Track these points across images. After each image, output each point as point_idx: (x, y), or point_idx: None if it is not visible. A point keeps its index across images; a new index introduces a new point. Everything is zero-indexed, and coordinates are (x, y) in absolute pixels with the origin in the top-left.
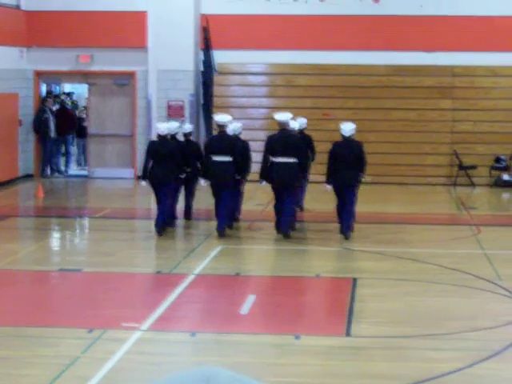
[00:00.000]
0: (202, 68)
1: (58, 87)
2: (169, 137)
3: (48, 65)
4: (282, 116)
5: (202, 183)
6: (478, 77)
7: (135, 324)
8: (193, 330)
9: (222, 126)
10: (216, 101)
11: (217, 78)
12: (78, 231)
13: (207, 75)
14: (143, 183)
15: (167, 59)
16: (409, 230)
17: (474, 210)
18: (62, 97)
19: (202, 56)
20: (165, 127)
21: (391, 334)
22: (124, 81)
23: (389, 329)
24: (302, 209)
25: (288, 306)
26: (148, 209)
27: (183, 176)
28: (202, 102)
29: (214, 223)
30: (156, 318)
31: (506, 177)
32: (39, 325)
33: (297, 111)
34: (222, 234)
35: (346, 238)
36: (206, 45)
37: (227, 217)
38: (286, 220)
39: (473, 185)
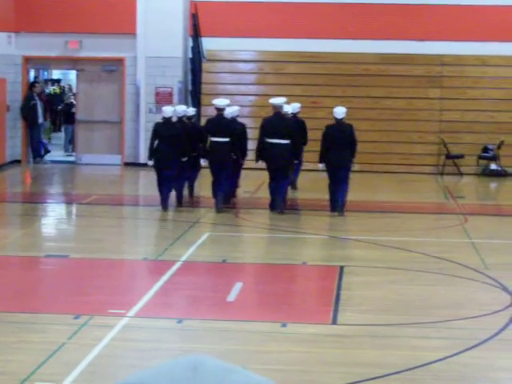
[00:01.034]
0: (190, 55)
1: (46, 73)
2: (175, 119)
3: (36, 50)
4: (276, 100)
5: (202, 162)
6: (466, 66)
7: (122, 310)
8: (179, 316)
9: (220, 109)
10: (204, 88)
11: (205, 65)
12: (65, 217)
13: (196, 62)
14: (150, 163)
15: (156, 46)
16: (396, 219)
17: (461, 199)
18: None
19: (190, 43)
20: (170, 110)
21: (378, 322)
22: (113, 67)
23: (375, 317)
24: (295, 188)
25: (275, 294)
26: (136, 195)
27: (185, 159)
28: (190, 88)
29: (201, 211)
30: (143, 304)
31: (493, 166)
32: (25, 311)
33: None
34: (220, 210)
35: (341, 213)
36: (195, 32)
37: (225, 195)
38: (280, 198)
39: (460, 174)
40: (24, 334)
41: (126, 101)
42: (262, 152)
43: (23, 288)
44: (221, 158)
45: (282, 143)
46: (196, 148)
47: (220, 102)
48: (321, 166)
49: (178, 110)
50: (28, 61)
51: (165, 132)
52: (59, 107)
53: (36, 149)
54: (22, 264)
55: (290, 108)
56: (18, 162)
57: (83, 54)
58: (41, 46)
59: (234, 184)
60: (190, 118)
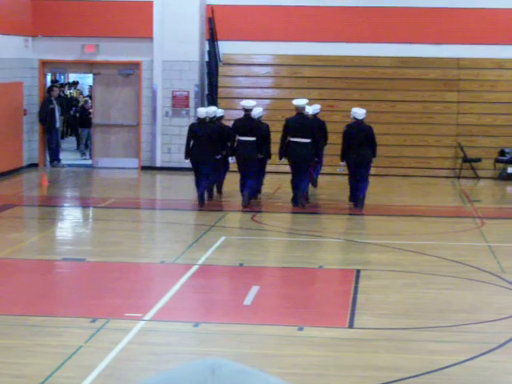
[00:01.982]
0: (207, 58)
1: (62, 77)
2: (207, 120)
3: (53, 54)
4: (299, 101)
5: (230, 161)
6: (483, 69)
7: (138, 314)
8: (196, 320)
9: (247, 110)
10: (221, 91)
11: (222, 69)
12: (81, 221)
13: (212, 66)
14: (186, 161)
15: (172, 49)
16: (413, 222)
17: (477, 203)
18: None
19: (207, 46)
20: (204, 111)
21: (394, 326)
22: (129, 71)
23: (392, 321)
24: (315, 185)
25: (291, 298)
26: (152, 199)
27: (218, 157)
28: (206, 92)
29: (218, 214)
30: (159, 308)
31: (510, 170)
32: (42, 314)
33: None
34: (247, 205)
35: (361, 208)
36: (212, 35)
37: (251, 191)
38: (302, 194)
39: (477, 177)
40: (41, 338)
41: (142, 104)
42: (285, 150)
43: (40, 291)
44: (248, 156)
45: (304, 142)
46: (225, 147)
47: (248, 103)
48: (342, 164)
49: (210, 111)
50: (45, 65)
51: (200, 132)
52: (71, 111)
53: (54, 152)
54: (39, 267)
55: (311, 109)
56: (35, 165)
57: (100, 57)
58: (57, 50)
59: (259, 182)
60: (218, 118)
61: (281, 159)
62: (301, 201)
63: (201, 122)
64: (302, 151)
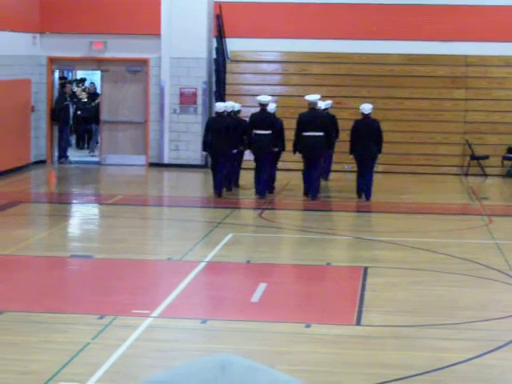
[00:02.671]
0: (214, 55)
1: (70, 73)
2: (225, 114)
3: (61, 51)
4: (311, 97)
5: (247, 153)
6: (491, 67)
7: (146, 311)
8: (203, 317)
9: (263, 105)
10: (228, 88)
11: (229, 66)
12: (89, 218)
13: (220, 63)
14: (204, 153)
15: (180, 46)
16: (420, 220)
17: (485, 200)
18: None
19: (215, 43)
20: (222, 105)
21: (401, 324)
22: (137, 68)
23: (399, 318)
24: (326, 179)
25: (299, 295)
26: (160, 196)
27: (235, 151)
28: (214, 89)
29: (226, 211)
30: (167, 304)
31: None
32: (50, 311)
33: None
34: (263, 196)
35: (366, 200)
36: (219, 32)
37: (266, 182)
38: (314, 186)
39: (485, 175)
40: (48, 334)
41: (150, 101)
42: (299, 144)
43: (47, 288)
44: (263, 149)
45: (317, 135)
46: (242, 140)
47: (264, 98)
48: (352, 156)
49: (228, 105)
50: (53, 61)
51: (217, 125)
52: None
53: (64, 149)
54: (47, 264)
55: (323, 104)
56: (42, 162)
57: (107, 54)
58: (65, 47)
59: (273, 174)
60: (236, 112)
61: (295, 153)
62: (313, 192)
63: (219, 116)
64: (315, 144)
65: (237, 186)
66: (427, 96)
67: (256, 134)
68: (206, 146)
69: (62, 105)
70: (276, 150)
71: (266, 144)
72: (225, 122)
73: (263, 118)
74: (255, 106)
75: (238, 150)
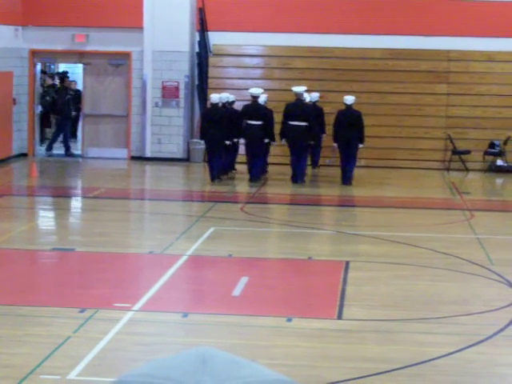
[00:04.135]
0: (197, 49)
1: (52, 66)
2: (220, 104)
3: (43, 44)
4: (298, 88)
5: (240, 142)
6: (473, 62)
7: (127, 304)
8: (185, 310)
9: (255, 97)
10: (211, 82)
11: (212, 60)
12: (71, 211)
13: (202, 56)
14: (201, 142)
15: (163, 40)
16: (402, 214)
17: (467, 195)
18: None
19: (197, 37)
20: (217, 96)
21: (383, 318)
22: (119, 61)
23: (381, 312)
24: (316, 166)
25: (280, 289)
26: (142, 189)
27: (228, 143)
28: (197, 83)
29: (208, 204)
30: (148, 298)
31: (499, 162)
32: (31, 304)
33: (292, 94)
34: (256, 180)
35: (349, 184)
36: (202, 26)
37: (259, 169)
38: (301, 172)
39: (466, 170)
40: (29, 328)
41: (132, 95)
42: (285, 132)
43: (29, 281)
44: (255, 138)
45: (301, 125)
46: (236, 130)
47: (256, 90)
48: (335, 145)
49: (223, 96)
50: (35, 54)
51: (212, 116)
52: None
53: (66, 143)
54: (28, 257)
55: (309, 97)
56: (24, 155)
57: (90, 47)
58: (47, 40)
59: (265, 160)
60: (230, 103)
61: (281, 140)
62: (300, 178)
63: (214, 107)
64: (298, 133)
65: (234, 169)
66: (409, 90)
67: (248, 124)
68: (203, 135)
69: (64, 99)
70: (266, 141)
71: (257, 133)
72: (219, 112)
73: (254, 109)
74: (239, 100)
75: (232, 142)
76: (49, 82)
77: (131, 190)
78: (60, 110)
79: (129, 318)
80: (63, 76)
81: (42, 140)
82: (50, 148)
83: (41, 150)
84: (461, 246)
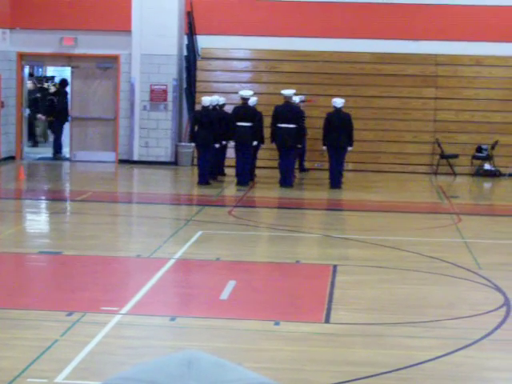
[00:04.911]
0: (185, 53)
1: (40, 70)
2: (211, 107)
3: (31, 47)
4: (287, 91)
5: (229, 145)
6: (461, 66)
7: (115, 308)
8: (172, 314)
9: (245, 99)
10: (199, 86)
11: (200, 63)
12: (59, 214)
13: (191, 60)
14: (192, 145)
15: (151, 43)
16: (390, 218)
17: (455, 199)
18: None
19: (185, 41)
20: (208, 99)
21: (370, 321)
22: (107, 64)
23: (368, 316)
24: (303, 170)
25: (268, 292)
26: (130, 192)
27: (217, 146)
28: (184, 86)
29: (196, 208)
30: (136, 302)
31: (487, 166)
32: (18, 307)
33: (279, 97)
34: (244, 184)
35: (338, 187)
36: (190, 29)
37: (247, 173)
38: (289, 175)
39: (454, 174)
40: (17, 331)
41: (120, 98)
42: (274, 135)
43: (16, 285)
44: (244, 139)
45: (290, 127)
46: (226, 133)
47: (246, 92)
48: (324, 148)
49: (213, 99)
50: (22, 57)
51: (203, 118)
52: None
53: (60, 146)
54: (15, 261)
55: (297, 98)
56: (12, 158)
57: (78, 50)
58: (35, 43)
59: (253, 163)
60: (221, 106)
61: (272, 142)
62: (288, 181)
63: (204, 110)
64: (287, 136)
65: (223, 174)
66: (397, 95)
67: (237, 126)
68: (194, 138)
69: (65, 100)
70: (255, 143)
71: (246, 135)
72: (211, 115)
73: (244, 111)
74: (227, 104)
75: (221, 145)
76: (31, 86)
77: (119, 194)
78: (58, 113)
79: (116, 322)
80: (62, 80)
81: (36, 143)
82: (58, 152)
83: (29, 153)
84: (448, 250)
